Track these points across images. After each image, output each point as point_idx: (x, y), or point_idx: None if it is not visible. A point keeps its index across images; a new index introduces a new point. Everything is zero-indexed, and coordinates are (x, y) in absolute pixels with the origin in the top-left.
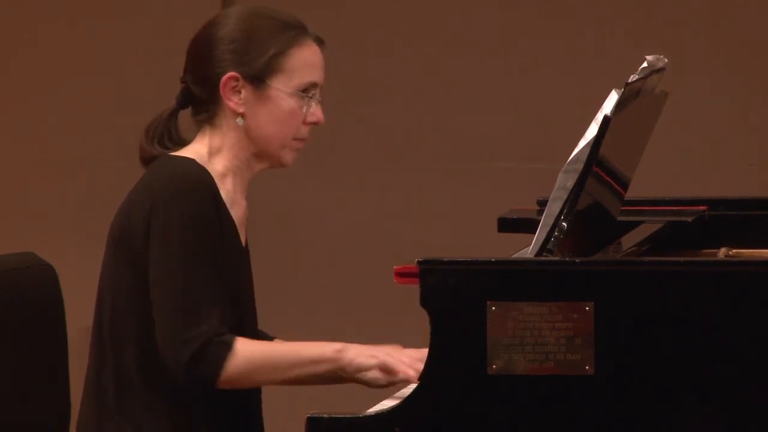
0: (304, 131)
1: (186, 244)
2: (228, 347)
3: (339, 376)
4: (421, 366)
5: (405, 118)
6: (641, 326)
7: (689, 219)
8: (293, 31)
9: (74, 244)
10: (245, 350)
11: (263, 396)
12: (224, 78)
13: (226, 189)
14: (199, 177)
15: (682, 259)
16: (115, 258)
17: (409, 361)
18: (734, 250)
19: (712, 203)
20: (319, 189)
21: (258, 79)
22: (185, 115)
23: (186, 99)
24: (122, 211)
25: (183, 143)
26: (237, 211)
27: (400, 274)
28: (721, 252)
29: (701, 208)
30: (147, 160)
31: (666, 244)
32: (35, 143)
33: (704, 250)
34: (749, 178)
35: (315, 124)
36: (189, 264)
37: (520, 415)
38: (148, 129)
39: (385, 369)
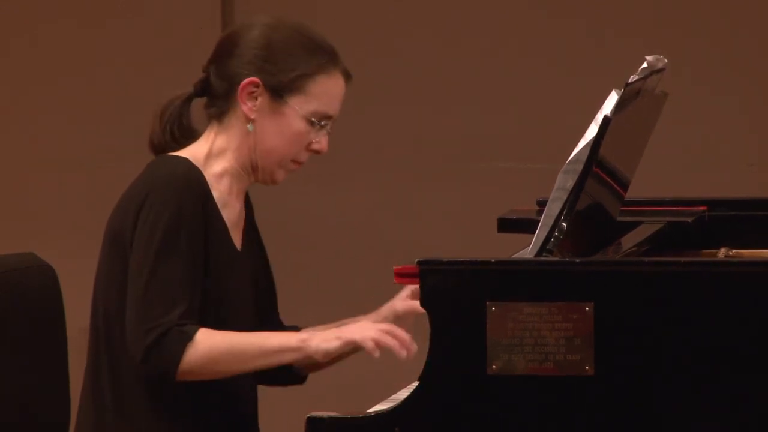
0: (304, 156)
1: (163, 241)
2: (187, 337)
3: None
4: (379, 329)
5: (405, 118)
6: (641, 327)
7: (689, 219)
8: (326, 58)
9: (74, 244)
10: (206, 340)
11: (262, 396)
12: (245, 81)
13: (220, 190)
14: (190, 176)
15: (682, 259)
16: (109, 256)
17: (371, 333)
18: (734, 251)
19: (712, 203)
20: (319, 189)
21: (278, 92)
22: (198, 107)
23: (203, 88)
24: (117, 210)
25: (191, 134)
26: (229, 212)
27: (400, 275)
28: (721, 252)
29: (701, 208)
30: (154, 146)
31: (666, 245)
32: (35, 143)
33: (704, 251)
34: (749, 178)
35: (317, 152)
36: (161, 259)
37: (519, 416)
38: (163, 112)
39: (352, 345)
